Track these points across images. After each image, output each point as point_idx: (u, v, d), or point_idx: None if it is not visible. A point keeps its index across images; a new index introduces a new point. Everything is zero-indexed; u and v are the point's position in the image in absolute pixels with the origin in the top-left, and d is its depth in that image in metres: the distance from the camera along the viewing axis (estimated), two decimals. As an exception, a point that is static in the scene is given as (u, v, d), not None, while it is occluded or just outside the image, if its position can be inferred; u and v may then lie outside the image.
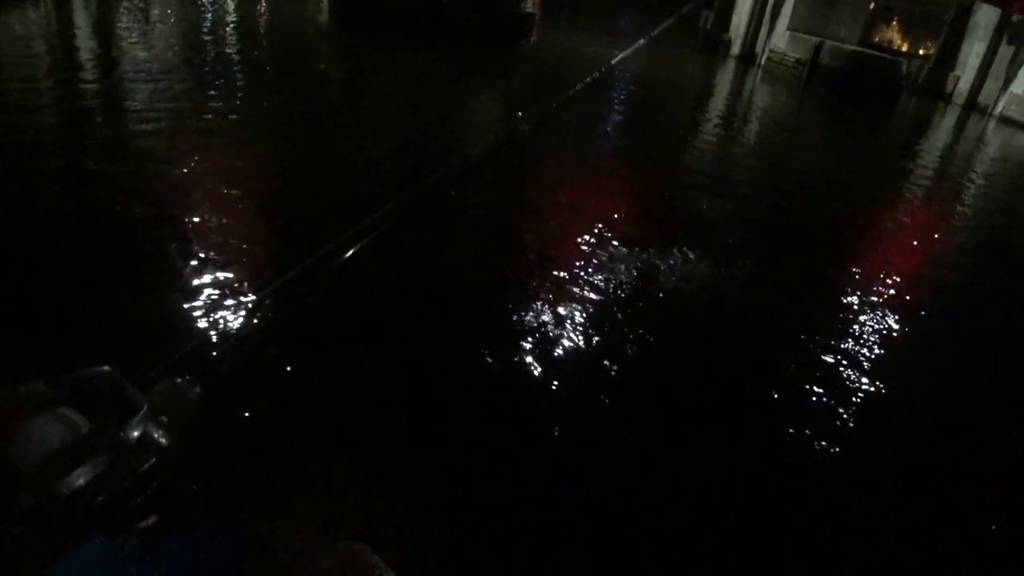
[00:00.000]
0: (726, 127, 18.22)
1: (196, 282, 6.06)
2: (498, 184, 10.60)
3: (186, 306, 5.68)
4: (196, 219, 7.30)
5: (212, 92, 13.10)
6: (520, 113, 13.19)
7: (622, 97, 20.24)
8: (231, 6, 28.63)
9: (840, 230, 11.00)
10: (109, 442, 3.25)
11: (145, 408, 3.44)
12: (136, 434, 3.36)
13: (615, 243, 8.34)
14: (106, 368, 3.53)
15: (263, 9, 27.84)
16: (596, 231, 8.62)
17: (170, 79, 13.47)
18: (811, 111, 24.60)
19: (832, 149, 18.51)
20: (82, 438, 3.19)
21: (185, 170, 8.76)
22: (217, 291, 5.92)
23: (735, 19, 33.43)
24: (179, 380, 3.85)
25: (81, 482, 3.10)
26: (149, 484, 3.35)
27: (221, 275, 6.20)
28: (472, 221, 8.97)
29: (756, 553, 4.30)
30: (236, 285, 6.04)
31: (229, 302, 5.77)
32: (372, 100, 15.93)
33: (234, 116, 11.81)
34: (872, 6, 32.74)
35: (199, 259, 6.43)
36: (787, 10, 29.94)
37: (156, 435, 3.43)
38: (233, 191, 8.31)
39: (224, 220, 7.39)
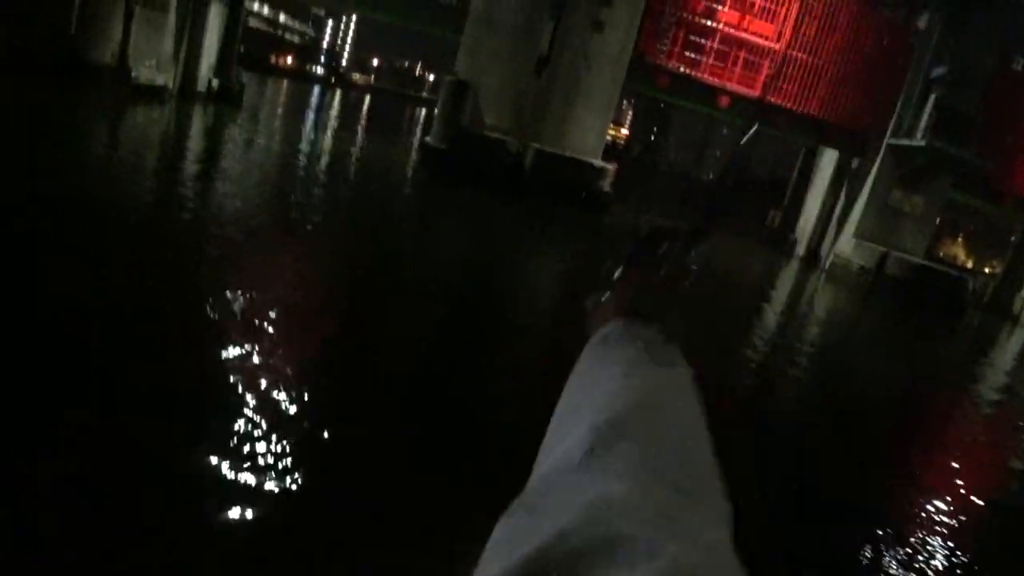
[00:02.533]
0: (786, 326, 18.54)
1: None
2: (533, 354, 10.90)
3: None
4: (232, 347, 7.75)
5: (292, 215, 14.37)
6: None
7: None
8: (328, 143, 31.50)
9: (896, 447, 10.88)
10: None
11: None
12: None
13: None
14: None
15: (358, 149, 30.44)
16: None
17: (258, 193, 14.76)
18: (874, 320, 24.81)
19: (894, 361, 18.50)
20: None
21: (249, 287, 9.43)
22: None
23: (802, 221, 34.71)
24: None
25: None
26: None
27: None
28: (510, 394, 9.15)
29: None
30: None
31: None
32: (439, 247, 16.98)
33: (303, 240, 12.83)
34: (939, 221, 33.67)
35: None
36: (854, 217, 30.98)
37: None
38: (277, 312, 8.86)
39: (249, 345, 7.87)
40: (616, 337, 0.77)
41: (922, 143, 28.17)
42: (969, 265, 33.61)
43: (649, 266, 0.86)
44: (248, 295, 9.36)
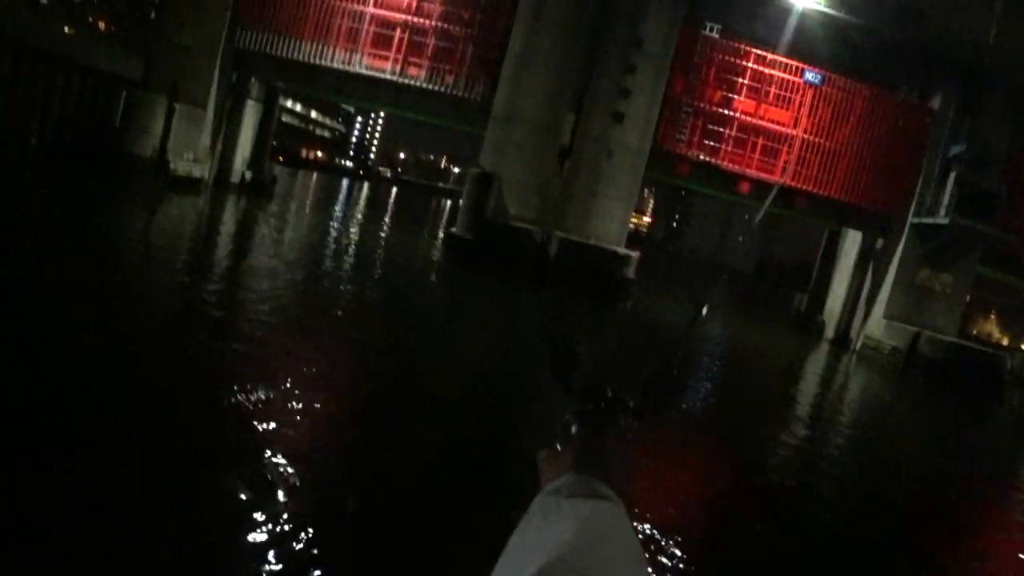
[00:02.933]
0: (819, 410, 18.11)
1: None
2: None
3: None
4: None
5: (316, 303, 14.75)
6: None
7: (713, 370, 20.67)
8: (356, 234, 32.26)
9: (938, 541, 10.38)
10: None
11: None
12: None
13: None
14: None
15: (385, 241, 31.11)
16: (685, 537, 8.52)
17: (287, 281, 15.15)
18: (908, 402, 24.20)
19: (934, 445, 17.92)
20: None
21: (272, 370, 9.49)
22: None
23: (829, 303, 34.43)
24: None
25: None
26: None
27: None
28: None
29: None
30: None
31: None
32: (463, 334, 17.03)
33: (329, 325, 12.96)
34: (969, 298, 33.21)
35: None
36: (883, 297, 30.67)
37: None
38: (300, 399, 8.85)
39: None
40: (567, 490, 0.84)
41: (945, 220, 28.15)
42: (1004, 342, 32.85)
43: (600, 425, 0.98)
44: (282, 384, 9.44)
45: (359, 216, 46.23)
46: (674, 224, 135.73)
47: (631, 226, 30.18)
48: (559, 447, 0.93)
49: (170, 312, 12.13)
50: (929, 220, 29.25)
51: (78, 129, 22.44)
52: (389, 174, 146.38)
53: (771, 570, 7.67)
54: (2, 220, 15.90)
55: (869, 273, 32.14)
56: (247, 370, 9.73)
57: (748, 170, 30.91)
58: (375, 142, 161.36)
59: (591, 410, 0.97)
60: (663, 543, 7.19)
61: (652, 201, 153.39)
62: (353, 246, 27.85)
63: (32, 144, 20.90)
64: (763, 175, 30.99)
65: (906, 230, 30.38)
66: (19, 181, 20.26)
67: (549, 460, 0.92)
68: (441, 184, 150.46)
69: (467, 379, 12.71)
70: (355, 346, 12.83)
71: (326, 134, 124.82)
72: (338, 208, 50.23)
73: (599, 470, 0.86)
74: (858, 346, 31.34)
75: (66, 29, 25.92)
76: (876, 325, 30.62)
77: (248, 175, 32.51)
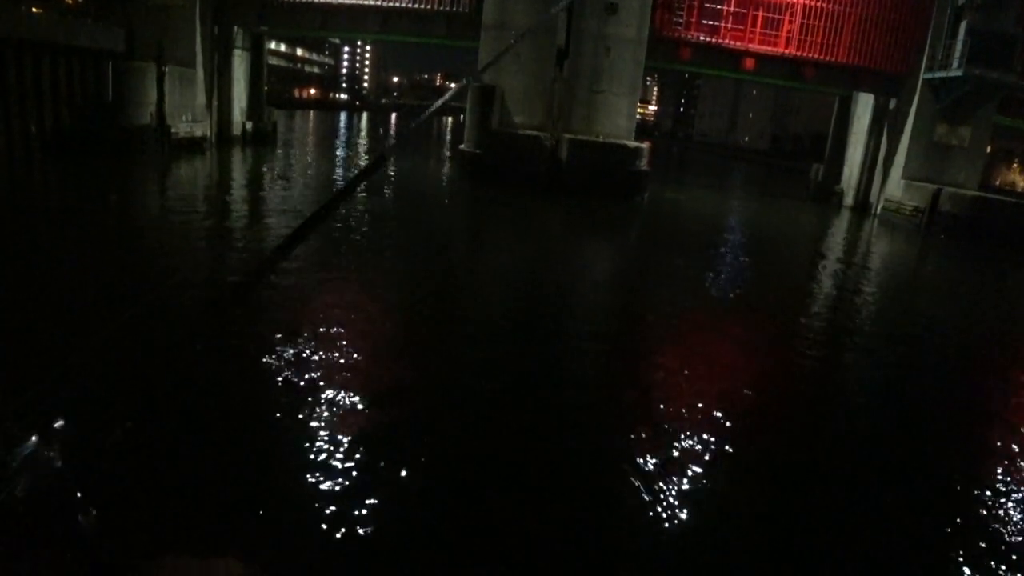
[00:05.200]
0: (847, 276, 18.28)
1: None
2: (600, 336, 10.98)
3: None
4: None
5: (335, 234, 15.11)
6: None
7: (738, 249, 20.83)
8: (364, 162, 32.49)
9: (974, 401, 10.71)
10: None
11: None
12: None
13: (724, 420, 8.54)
14: None
15: (394, 164, 31.26)
16: (714, 414, 8.84)
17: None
18: (934, 260, 24.22)
19: (962, 303, 18.08)
20: None
21: (307, 301, 9.85)
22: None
23: (846, 170, 34.03)
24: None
25: None
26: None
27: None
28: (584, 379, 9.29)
29: None
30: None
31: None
32: (487, 251, 17.36)
33: (353, 254, 13.25)
34: (989, 149, 32.56)
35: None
36: (900, 159, 30.25)
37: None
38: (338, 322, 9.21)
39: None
40: None
41: (959, 72, 27.34)
42: (1029, 190, 32.38)
43: None
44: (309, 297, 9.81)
45: (364, 147, 45.97)
46: (681, 110, 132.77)
47: (637, 117, 29.71)
48: None
49: (206, 250, 12.64)
50: (942, 74, 28.42)
51: (74, 110, 22.37)
52: (383, 101, 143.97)
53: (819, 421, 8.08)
54: (37, 208, 16.30)
55: (884, 136, 31.57)
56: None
57: (751, 45, 30.09)
58: (366, 71, 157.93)
59: None
60: (701, 411, 7.54)
61: (656, 90, 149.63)
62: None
63: (33, 132, 20.94)
64: (766, 48, 30.17)
65: (919, 87, 29.60)
66: (32, 170, 20.51)
67: None
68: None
69: (505, 292, 13.04)
70: (385, 276, 13.15)
71: (316, 70, 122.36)
72: (342, 143, 49.97)
73: None
74: (878, 210, 31.15)
75: (34, 10, 25.41)
76: (895, 187, 30.32)
77: (249, 126, 32.34)
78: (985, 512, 6.45)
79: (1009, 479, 7.24)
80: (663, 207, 29.46)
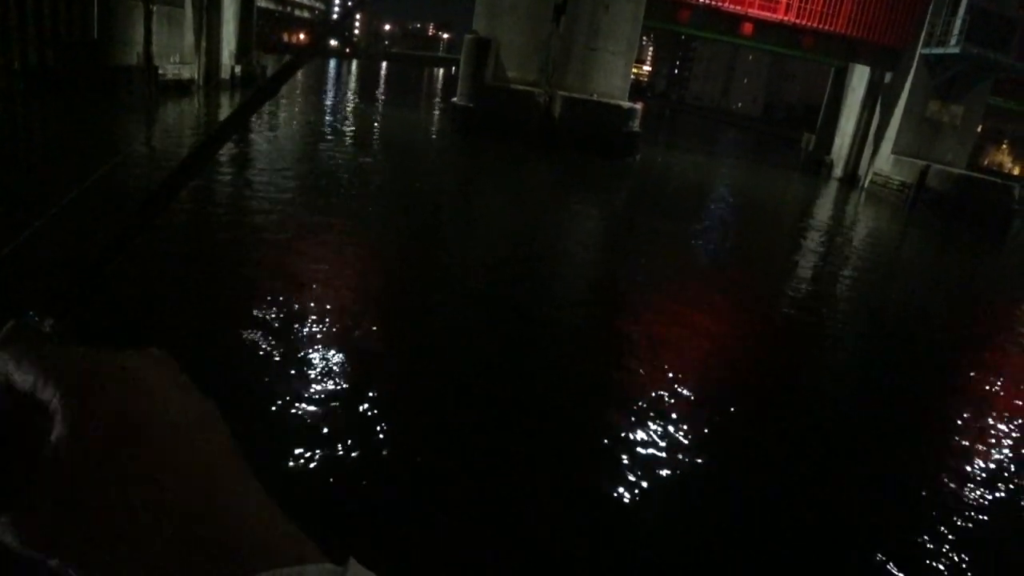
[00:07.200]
0: (828, 248, 18.48)
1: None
2: (582, 300, 11.12)
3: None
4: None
5: (323, 182, 15.47)
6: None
7: (725, 215, 20.94)
8: (354, 113, 32.10)
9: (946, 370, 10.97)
10: None
11: None
12: None
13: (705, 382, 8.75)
14: None
15: (383, 117, 31.00)
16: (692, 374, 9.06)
17: (290, 172, 15.56)
18: (917, 236, 24.49)
19: (939, 278, 18.38)
20: None
21: (294, 254, 9.93)
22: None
23: (837, 141, 34.07)
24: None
25: None
26: None
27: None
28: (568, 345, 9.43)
29: None
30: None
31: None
32: (476, 205, 17.36)
33: (342, 205, 13.36)
34: (980, 129, 32.68)
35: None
36: (891, 133, 30.30)
37: None
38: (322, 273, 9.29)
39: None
40: None
41: (956, 50, 27.27)
42: (1016, 172, 32.64)
43: None
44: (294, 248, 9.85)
45: (354, 96, 45.27)
46: (675, 71, 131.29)
47: (632, 78, 29.50)
48: None
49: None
50: (939, 50, 28.33)
51: (60, 48, 21.69)
52: (377, 49, 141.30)
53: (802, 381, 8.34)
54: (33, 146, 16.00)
55: (877, 109, 31.57)
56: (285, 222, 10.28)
57: (750, 10, 29.79)
58: (358, 17, 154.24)
59: None
60: (683, 375, 7.73)
61: (652, 49, 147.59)
62: (354, 127, 27.65)
63: (16, 69, 20.38)
64: (766, 14, 29.87)
65: (915, 62, 29.52)
66: (14, 110, 20.00)
67: None
68: (431, 53, 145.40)
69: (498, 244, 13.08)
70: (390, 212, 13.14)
71: (306, 15, 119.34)
72: (331, 90, 49.12)
73: None
74: (866, 184, 31.31)
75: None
76: (884, 161, 30.44)
77: (238, 69, 31.70)
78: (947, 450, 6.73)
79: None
80: (653, 170, 29.41)
